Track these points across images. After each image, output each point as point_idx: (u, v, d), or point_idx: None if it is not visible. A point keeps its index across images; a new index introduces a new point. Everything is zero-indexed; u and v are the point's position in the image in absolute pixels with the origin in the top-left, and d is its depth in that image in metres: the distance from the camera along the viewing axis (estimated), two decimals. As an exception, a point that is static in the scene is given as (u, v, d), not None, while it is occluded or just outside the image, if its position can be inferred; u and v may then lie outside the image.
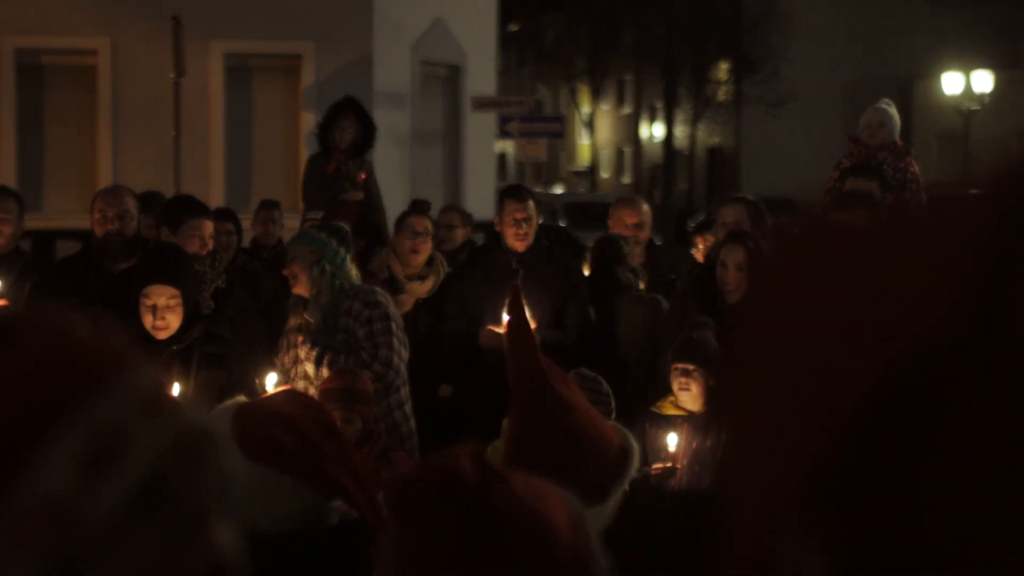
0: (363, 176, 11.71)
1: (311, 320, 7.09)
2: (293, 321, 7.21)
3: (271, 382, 6.79)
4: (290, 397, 3.23)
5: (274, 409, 2.70)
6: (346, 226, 7.59)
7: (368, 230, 10.43)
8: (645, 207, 9.32)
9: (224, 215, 9.61)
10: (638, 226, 9.05)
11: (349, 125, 11.86)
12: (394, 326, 7.20)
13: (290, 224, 12.61)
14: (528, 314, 3.33)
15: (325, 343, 7.02)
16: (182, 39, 16.69)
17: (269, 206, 11.70)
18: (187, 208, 7.94)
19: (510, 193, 8.69)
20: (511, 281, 8.15)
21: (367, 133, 12.04)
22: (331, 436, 2.63)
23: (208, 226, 7.84)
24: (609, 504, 2.51)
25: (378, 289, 7.50)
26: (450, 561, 1.96)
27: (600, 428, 2.50)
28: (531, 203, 8.46)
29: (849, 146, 9.58)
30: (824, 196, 9.33)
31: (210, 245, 7.74)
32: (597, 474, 2.48)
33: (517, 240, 8.36)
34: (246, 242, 11.42)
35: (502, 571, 1.98)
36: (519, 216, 8.37)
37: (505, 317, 7.50)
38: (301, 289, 7.10)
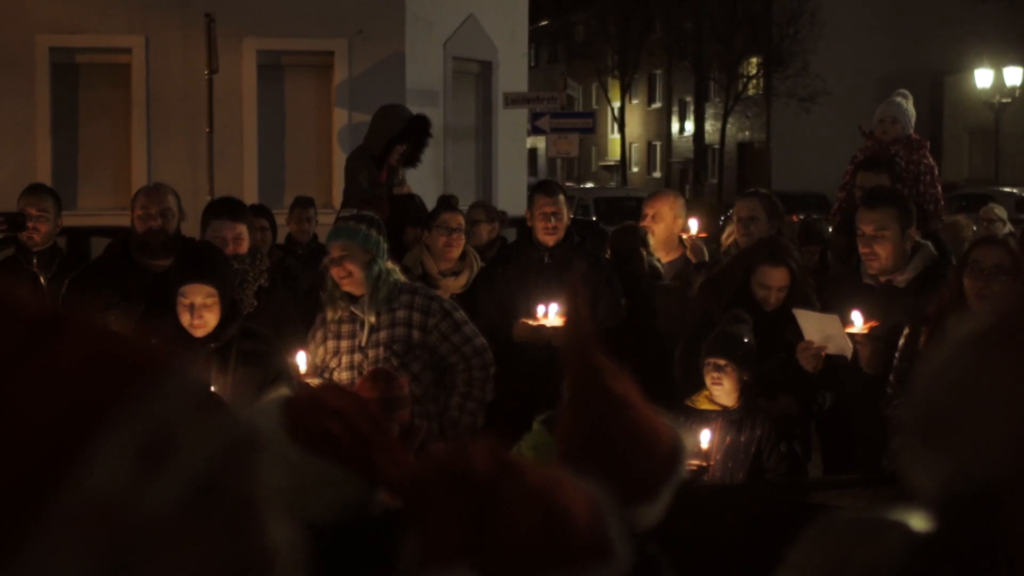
0: (403, 174, 11.85)
1: (364, 317, 7.10)
2: (333, 314, 7.21)
3: (302, 361, 6.88)
4: (335, 390, 3.27)
5: (323, 401, 2.75)
6: (376, 216, 7.64)
7: (410, 224, 10.50)
8: (658, 200, 9.33)
9: (259, 212, 9.68)
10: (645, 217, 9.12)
11: (411, 139, 12.00)
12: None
13: (324, 221, 12.68)
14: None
15: (395, 349, 7.08)
16: (215, 37, 16.76)
17: (304, 203, 11.77)
18: (214, 210, 8.03)
19: (540, 188, 8.74)
20: (543, 276, 8.23)
21: (419, 145, 12.18)
22: (378, 428, 2.67)
23: (234, 228, 7.86)
24: (658, 503, 2.55)
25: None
26: (463, 554, 1.96)
27: (653, 426, 2.54)
28: (561, 197, 8.51)
29: (864, 140, 9.59)
30: (840, 191, 9.34)
31: (238, 248, 7.78)
32: (647, 472, 2.51)
33: (547, 234, 8.40)
34: (280, 238, 11.51)
35: (515, 563, 1.98)
36: (548, 210, 8.42)
37: (545, 310, 7.63)
38: (353, 287, 7.11)
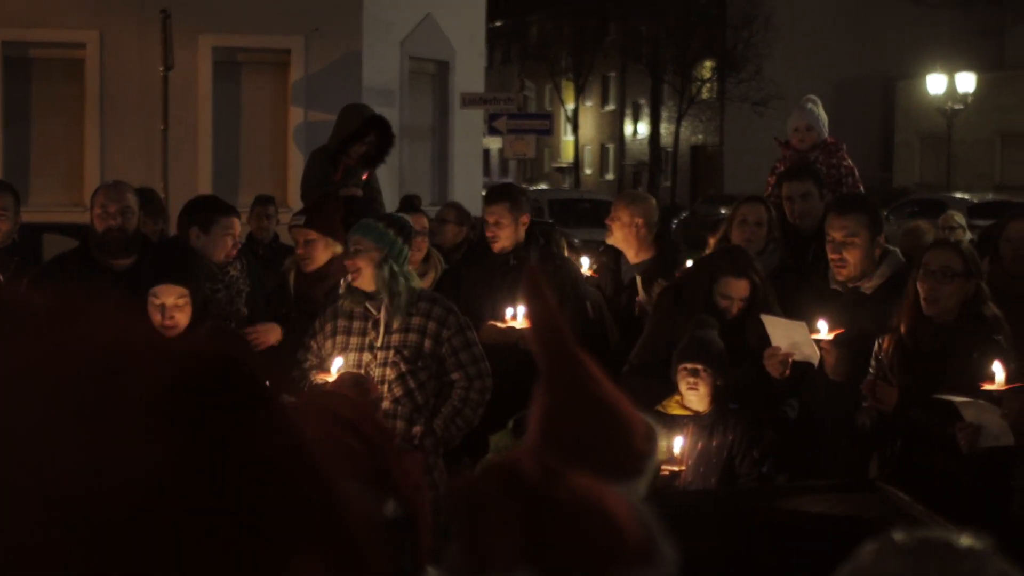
0: (365, 176, 11.67)
1: (378, 316, 6.98)
2: (348, 306, 7.07)
3: (336, 367, 6.77)
4: (338, 399, 3.21)
5: (334, 412, 2.72)
6: (409, 220, 7.55)
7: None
8: (625, 202, 9.25)
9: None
10: (612, 218, 9.04)
11: (371, 141, 11.81)
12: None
13: (281, 220, 12.59)
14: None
15: (405, 355, 6.97)
16: (171, 33, 16.63)
17: (264, 202, 11.67)
18: (217, 207, 7.97)
19: (485, 195, 8.72)
20: (508, 277, 8.18)
21: (382, 147, 11.98)
22: (385, 435, 2.66)
23: (237, 224, 7.89)
24: (641, 484, 2.52)
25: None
26: (521, 556, 1.98)
27: (626, 410, 2.51)
28: (504, 206, 8.39)
29: (781, 150, 9.58)
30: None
31: (239, 245, 7.75)
32: (624, 456, 2.49)
33: (490, 242, 8.37)
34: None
35: (571, 566, 2.00)
36: (489, 219, 8.40)
37: (513, 312, 7.57)
38: (364, 283, 6.99)
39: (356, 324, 7.05)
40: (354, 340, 7.03)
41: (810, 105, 9.54)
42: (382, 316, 6.97)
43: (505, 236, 8.34)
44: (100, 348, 1.18)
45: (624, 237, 8.87)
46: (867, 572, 2.49)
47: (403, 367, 6.93)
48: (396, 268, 6.95)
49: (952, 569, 2.46)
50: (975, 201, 33.09)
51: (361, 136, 11.81)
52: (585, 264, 8.81)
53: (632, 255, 8.89)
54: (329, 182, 11.61)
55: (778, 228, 8.67)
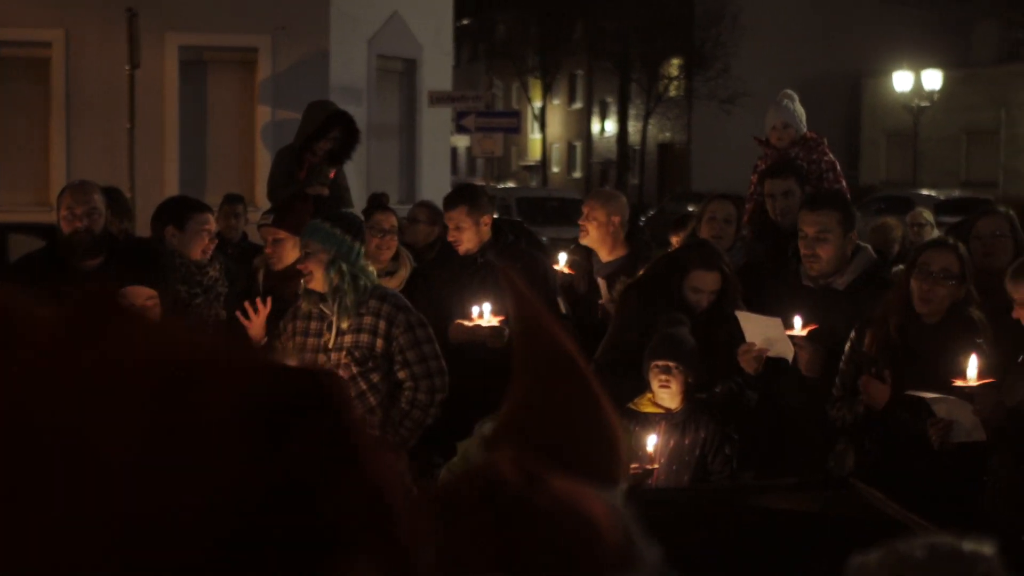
0: (332, 173, 11.59)
1: (334, 318, 6.96)
2: (306, 308, 7.06)
3: None
4: None
5: None
6: (360, 216, 7.52)
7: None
8: (598, 199, 9.20)
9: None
10: (585, 216, 8.99)
11: (335, 136, 11.71)
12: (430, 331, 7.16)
13: (253, 219, 12.52)
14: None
15: (356, 356, 6.93)
16: (137, 31, 16.57)
17: (233, 200, 11.60)
18: (191, 204, 7.96)
19: (445, 198, 8.68)
20: (477, 276, 8.16)
21: (347, 143, 11.88)
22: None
23: (212, 220, 7.89)
24: (621, 486, 2.49)
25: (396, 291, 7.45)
26: (496, 560, 1.95)
27: (607, 408, 2.48)
28: (462, 209, 8.33)
29: (762, 149, 9.55)
30: (747, 203, 9.31)
31: (212, 244, 7.72)
32: (613, 452, 2.46)
33: (455, 246, 8.35)
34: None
35: (547, 568, 1.97)
36: (448, 224, 8.39)
37: (479, 310, 7.54)
38: (316, 285, 6.96)
39: (313, 325, 7.04)
40: (311, 342, 7.02)
41: (786, 102, 9.47)
42: (335, 317, 6.95)
43: (467, 239, 8.31)
44: (171, 364, 1.14)
45: (601, 236, 8.85)
46: None
47: (354, 368, 6.89)
48: (346, 268, 6.91)
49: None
50: (941, 198, 33.23)
51: (325, 132, 11.72)
52: (562, 261, 8.77)
53: (605, 254, 8.86)
54: (294, 180, 11.54)
55: (748, 225, 8.68)
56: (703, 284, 7.22)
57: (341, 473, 1.17)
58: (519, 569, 1.95)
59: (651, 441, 6.39)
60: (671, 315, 6.85)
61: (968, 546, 2.43)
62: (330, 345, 6.95)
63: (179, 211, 7.84)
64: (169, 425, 1.10)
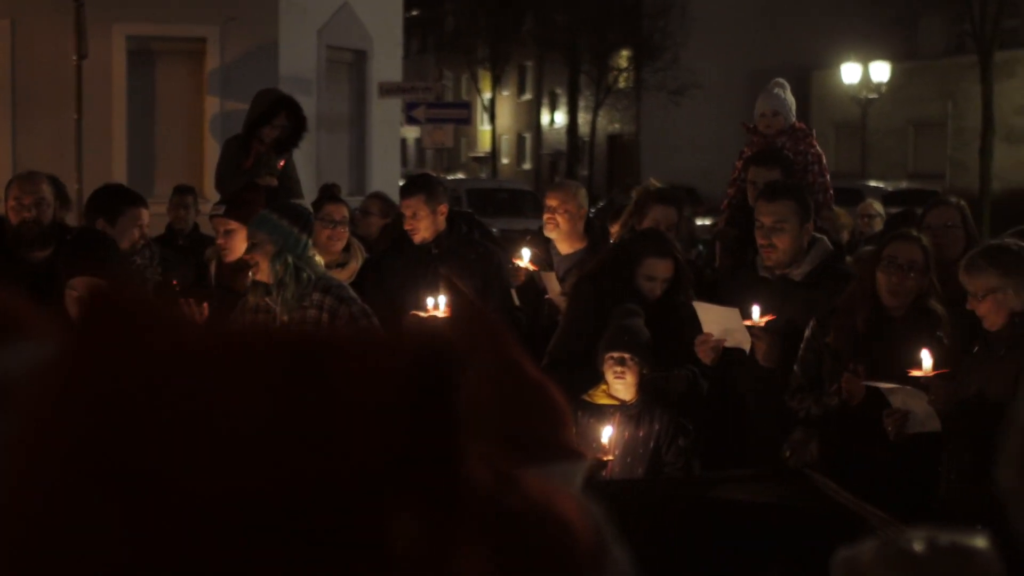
0: (282, 163, 11.49)
1: (277, 311, 6.91)
2: (252, 301, 7.01)
3: None
4: None
5: None
6: (308, 208, 7.47)
7: None
8: (567, 192, 9.15)
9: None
10: (554, 209, 8.92)
11: (281, 123, 11.59)
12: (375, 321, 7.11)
13: (204, 210, 12.42)
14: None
15: None
16: (84, 21, 16.39)
17: (183, 192, 11.51)
18: (125, 197, 7.86)
19: (401, 188, 8.66)
20: (431, 267, 8.13)
21: (295, 131, 11.76)
22: None
23: (145, 215, 7.79)
24: (578, 469, 2.46)
25: (343, 282, 7.38)
26: (471, 568, 1.91)
27: (550, 387, 2.44)
28: (420, 198, 8.32)
29: (749, 136, 9.45)
30: (729, 187, 9.29)
31: (144, 236, 7.66)
32: (561, 430, 2.42)
33: (411, 235, 8.32)
34: (155, 228, 11.25)
35: (521, 569, 1.94)
36: (406, 212, 8.35)
37: (434, 302, 7.50)
38: (263, 276, 6.92)
39: (260, 318, 6.98)
40: None
41: (777, 90, 9.38)
42: (278, 310, 6.90)
43: (424, 228, 8.28)
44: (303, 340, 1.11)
45: (572, 228, 8.83)
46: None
47: None
48: (291, 260, 6.86)
49: (967, 571, 2.42)
50: (889, 189, 33.38)
51: (269, 118, 11.62)
52: (526, 257, 8.70)
53: (568, 246, 8.84)
54: (241, 169, 11.44)
55: (726, 210, 8.68)
56: (656, 272, 7.22)
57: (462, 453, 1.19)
58: (492, 571, 1.92)
59: (606, 433, 6.38)
60: (625, 306, 6.83)
61: (968, 541, 2.41)
62: None
63: (112, 205, 7.76)
64: (302, 402, 1.07)
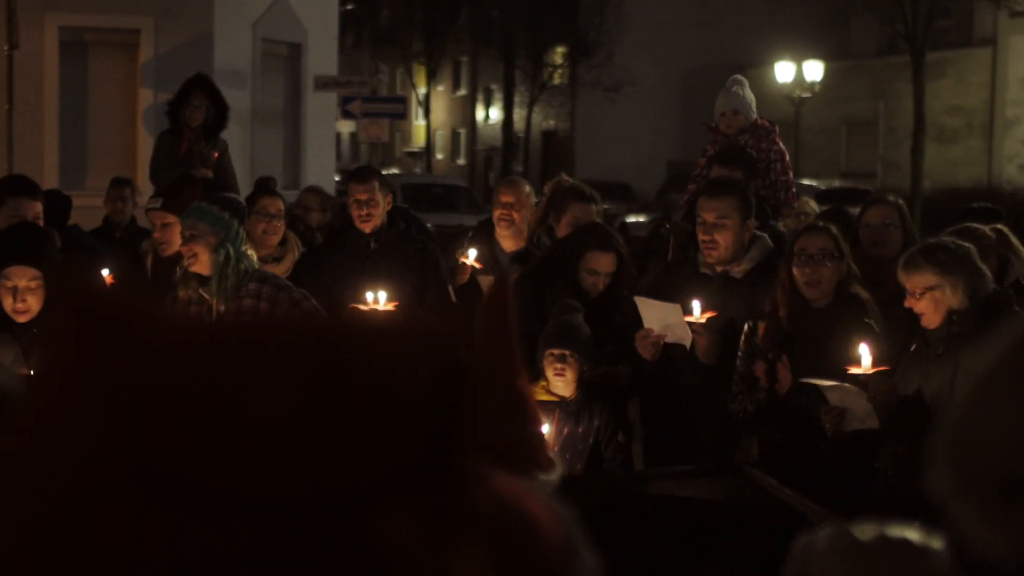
0: (216, 155, 11.41)
1: (211, 301, 6.88)
2: (184, 294, 6.94)
3: None
4: None
5: None
6: (241, 200, 7.42)
7: None
8: (525, 188, 9.10)
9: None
10: (512, 205, 8.88)
11: (201, 104, 11.50)
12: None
13: (141, 203, 12.31)
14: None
15: None
16: (15, 11, 16.24)
17: (120, 184, 11.41)
18: (11, 188, 7.74)
19: (353, 175, 8.62)
20: (370, 261, 8.10)
21: (219, 112, 11.70)
22: None
23: (34, 207, 7.66)
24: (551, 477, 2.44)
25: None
26: (438, 565, 1.88)
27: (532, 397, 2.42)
28: (375, 184, 8.34)
29: (711, 135, 9.38)
30: (690, 184, 9.28)
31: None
32: (541, 441, 2.39)
33: (360, 222, 8.27)
34: (89, 220, 11.15)
35: (490, 571, 1.91)
36: (361, 198, 8.28)
37: (374, 296, 7.46)
38: (200, 268, 6.87)
39: (192, 310, 6.93)
40: None
41: (736, 88, 9.30)
42: (214, 301, 6.87)
43: (377, 215, 8.27)
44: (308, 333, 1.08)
45: (522, 226, 8.82)
46: (826, 571, 2.46)
47: None
48: (232, 251, 6.85)
49: (917, 568, 2.43)
50: (822, 188, 33.65)
51: (184, 98, 11.54)
52: (472, 256, 8.65)
53: (514, 244, 8.82)
54: (174, 156, 11.36)
55: (686, 206, 8.68)
56: (599, 266, 7.23)
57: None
58: (458, 568, 1.89)
59: (544, 429, 6.38)
60: (565, 302, 6.82)
61: (920, 539, 2.43)
62: None
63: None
64: (324, 391, 1.04)
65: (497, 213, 8.87)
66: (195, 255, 6.82)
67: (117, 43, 18.13)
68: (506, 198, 8.86)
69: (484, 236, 8.97)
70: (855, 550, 2.40)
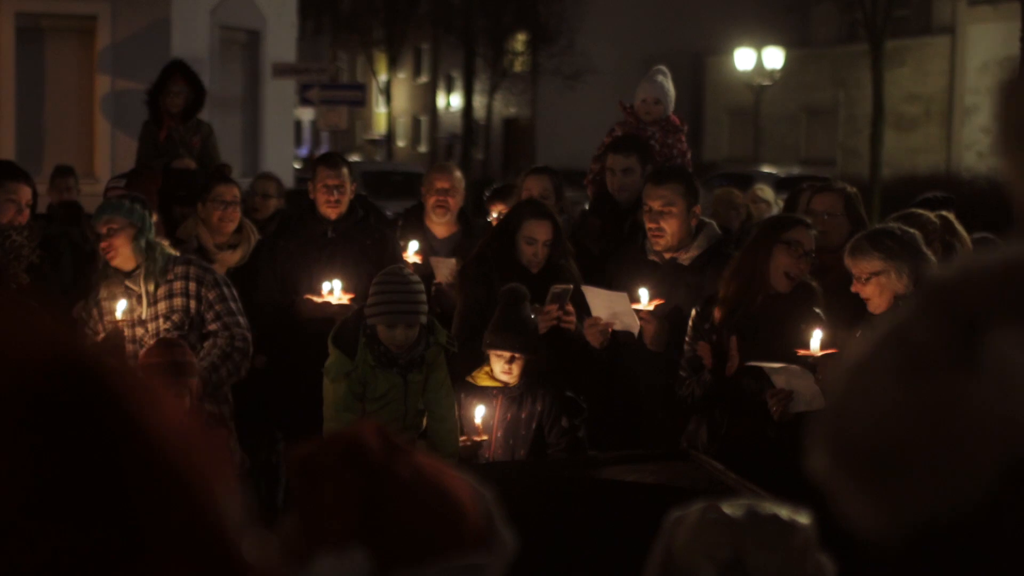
0: (197, 142, 11.40)
1: (140, 291, 7.04)
2: (107, 291, 7.09)
3: (121, 309, 6.81)
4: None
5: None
6: (144, 189, 7.53)
7: (190, 196, 10.20)
8: (457, 173, 9.17)
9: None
10: (447, 191, 8.93)
11: (180, 89, 11.48)
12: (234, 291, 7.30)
13: (87, 190, 12.28)
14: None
15: (174, 320, 7.07)
16: (-29, -3, 16.18)
17: (64, 172, 11.40)
18: (6, 172, 7.75)
19: (322, 160, 8.62)
20: (326, 250, 8.12)
21: (197, 96, 11.70)
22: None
23: (26, 192, 7.68)
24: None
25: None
26: (355, 533, 1.93)
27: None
28: (344, 170, 8.38)
29: (624, 115, 9.34)
30: (593, 163, 9.25)
31: (27, 213, 7.54)
32: (450, 528, 2.46)
33: (329, 207, 8.28)
34: (41, 208, 11.12)
35: (407, 545, 1.95)
36: (331, 183, 8.30)
37: (330, 287, 7.49)
38: (122, 262, 7.07)
39: (131, 303, 7.11)
40: (149, 327, 7.11)
41: (659, 77, 9.23)
42: (143, 288, 7.03)
43: (346, 201, 8.31)
44: None
45: (456, 212, 8.89)
46: (692, 542, 2.50)
47: (175, 333, 7.01)
48: (151, 239, 7.09)
49: (782, 543, 2.48)
50: (781, 175, 33.72)
51: (164, 85, 11.54)
52: (412, 248, 8.69)
53: (446, 230, 8.88)
54: (155, 144, 11.35)
55: (589, 185, 8.72)
56: (536, 233, 7.30)
57: (127, 469, 1.10)
58: (380, 541, 1.94)
59: (479, 413, 6.46)
60: (508, 289, 6.82)
61: (787, 513, 2.48)
62: (144, 316, 7.04)
63: None
64: None
65: (432, 200, 8.91)
66: (116, 248, 7.01)
67: (74, 29, 18.06)
68: (441, 184, 8.91)
69: (415, 224, 9.02)
70: (723, 524, 2.45)
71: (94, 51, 17.91)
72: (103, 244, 7.05)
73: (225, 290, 7.19)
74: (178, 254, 7.30)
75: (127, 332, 7.02)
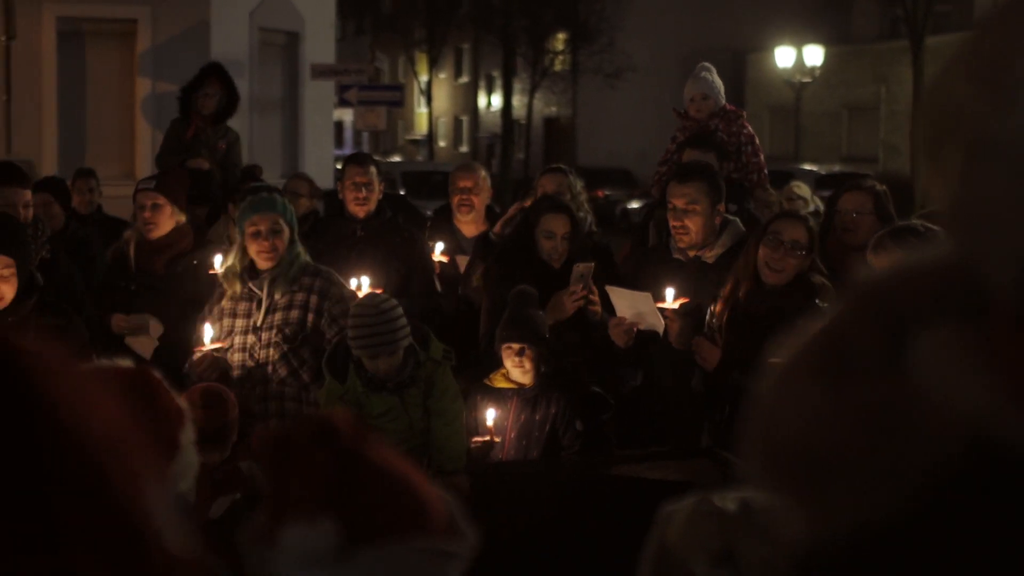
0: (222, 147, 11.50)
1: (261, 295, 6.88)
2: (232, 290, 6.96)
3: (207, 333, 6.69)
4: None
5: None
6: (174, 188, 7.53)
7: (212, 197, 10.30)
8: (481, 172, 9.25)
9: (40, 186, 9.38)
10: (470, 190, 9.01)
11: (214, 92, 11.59)
12: None
13: (124, 192, 12.40)
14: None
15: (287, 332, 6.85)
16: (13, 2, 16.30)
17: (86, 174, 11.50)
18: (2, 176, 7.82)
19: (352, 159, 8.71)
20: (356, 248, 8.19)
21: (231, 101, 11.80)
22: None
23: (24, 195, 7.73)
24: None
25: None
26: (325, 505, 1.99)
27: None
28: (372, 169, 8.46)
29: (680, 121, 9.44)
30: (660, 167, 9.34)
31: (27, 215, 7.60)
32: (408, 514, 2.54)
33: (357, 205, 8.36)
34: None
35: (376, 520, 2.02)
36: (360, 180, 8.38)
37: (358, 283, 7.55)
38: (271, 263, 6.88)
39: (241, 306, 6.94)
40: (240, 323, 6.91)
41: (704, 73, 9.34)
42: (264, 292, 6.87)
43: (374, 199, 8.39)
44: None
45: (482, 210, 8.97)
46: (685, 535, 2.54)
47: (284, 346, 6.81)
48: (297, 239, 6.97)
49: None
50: (822, 172, 33.63)
51: (198, 85, 11.64)
52: (439, 249, 8.76)
53: (475, 228, 8.95)
54: (181, 144, 11.45)
55: (657, 186, 8.76)
56: (554, 227, 7.37)
57: (47, 463, 1.13)
58: (349, 515, 2.01)
59: (490, 415, 6.50)
60: (518, 290, 6.86)
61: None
62: (259, 323, 6.87)
63: None
64: None
65: (456, 199, 8.99)
66: (276, 249, 6.83)
67: (115, 33, 18.16)
68: (464, 183, 8.99)
69: (443, 224, 9.08)
70: (716, 518, 2.46)
71: (134, 54, 18.02)
72: (261, 242, 6.85)
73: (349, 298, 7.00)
74: (311, 262, 7.09)
75: (239, 340, 6.83)
